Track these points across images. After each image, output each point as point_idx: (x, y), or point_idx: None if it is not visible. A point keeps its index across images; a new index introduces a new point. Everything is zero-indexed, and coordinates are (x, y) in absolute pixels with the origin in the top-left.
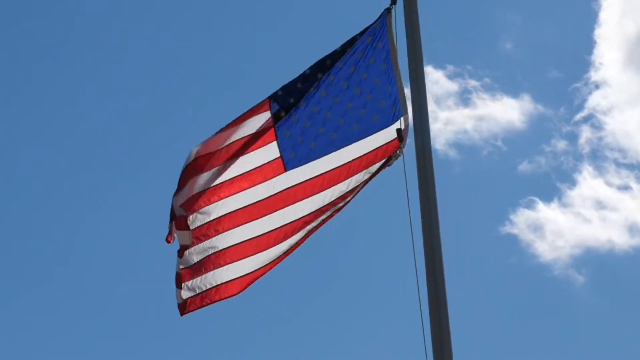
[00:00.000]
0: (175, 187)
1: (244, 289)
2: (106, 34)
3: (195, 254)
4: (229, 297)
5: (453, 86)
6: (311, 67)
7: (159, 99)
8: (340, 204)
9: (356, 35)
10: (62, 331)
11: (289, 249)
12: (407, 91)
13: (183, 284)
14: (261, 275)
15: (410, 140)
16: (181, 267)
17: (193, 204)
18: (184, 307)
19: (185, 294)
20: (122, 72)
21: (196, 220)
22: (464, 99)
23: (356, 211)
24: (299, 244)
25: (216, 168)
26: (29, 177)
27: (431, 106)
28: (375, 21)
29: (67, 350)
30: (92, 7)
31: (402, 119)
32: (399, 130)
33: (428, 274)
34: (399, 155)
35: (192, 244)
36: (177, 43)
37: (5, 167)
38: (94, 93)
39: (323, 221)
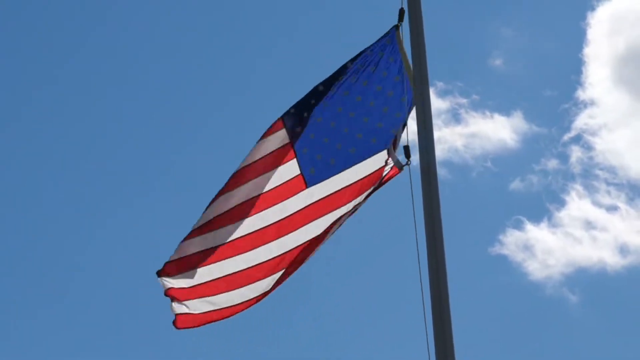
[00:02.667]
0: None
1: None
2: (121, 42)
3: (202, 275)
4: (228, 316)
5: (443, 104)
6: (323, 83)
7: (168, 104)
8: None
9: (364, 50)
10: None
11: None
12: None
13: (184, 302)
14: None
15: (412, 157)
16: (187, 285)
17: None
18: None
19: (180, 309)
20: (129, 77)
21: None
22: (454, 116)
23: (358, 225)
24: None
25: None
26: (42, 184)
27: None
28: (383, 37)
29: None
30: (110, 11)
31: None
32: (406, 147)
33: (433, 301)
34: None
35: (200, 265)
36: (183, 48)
37: (19, 173)
38: (101, 96)
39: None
